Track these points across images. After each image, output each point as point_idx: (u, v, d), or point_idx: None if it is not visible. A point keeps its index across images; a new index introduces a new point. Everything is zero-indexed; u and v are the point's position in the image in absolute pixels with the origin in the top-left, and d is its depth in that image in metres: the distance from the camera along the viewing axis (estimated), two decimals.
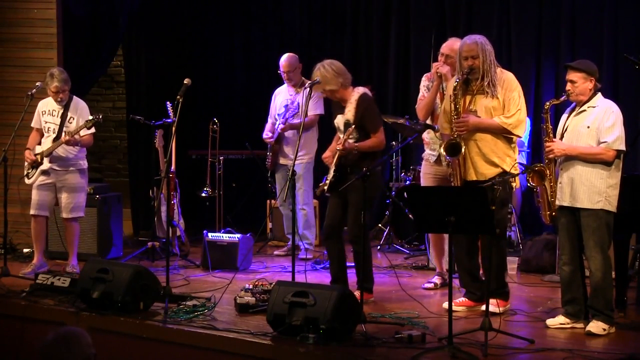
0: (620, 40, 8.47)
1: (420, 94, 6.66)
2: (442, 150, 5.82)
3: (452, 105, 5.79)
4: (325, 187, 6.19)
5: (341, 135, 6.21)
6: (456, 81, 5.80)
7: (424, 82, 6.67)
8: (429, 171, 6.64)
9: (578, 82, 5.42)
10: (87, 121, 6.99)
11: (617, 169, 5.39)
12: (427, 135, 6.67)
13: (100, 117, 7.06)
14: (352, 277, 6.34)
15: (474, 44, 5.76)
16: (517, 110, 5.75)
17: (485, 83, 5.75)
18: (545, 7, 8.91)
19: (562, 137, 5.50)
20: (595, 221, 5.34)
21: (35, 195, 7.23)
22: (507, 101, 5.76)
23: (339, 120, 6.26)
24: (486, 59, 5.73)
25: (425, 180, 6.66)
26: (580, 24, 8.72)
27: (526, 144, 8.47)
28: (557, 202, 5.50)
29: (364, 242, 5.86)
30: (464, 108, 5.81)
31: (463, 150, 5.70)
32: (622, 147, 5.35)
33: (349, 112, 6.18)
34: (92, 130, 7.13)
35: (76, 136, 7.01)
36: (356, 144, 6.09)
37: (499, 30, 9.02)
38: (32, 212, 7.24)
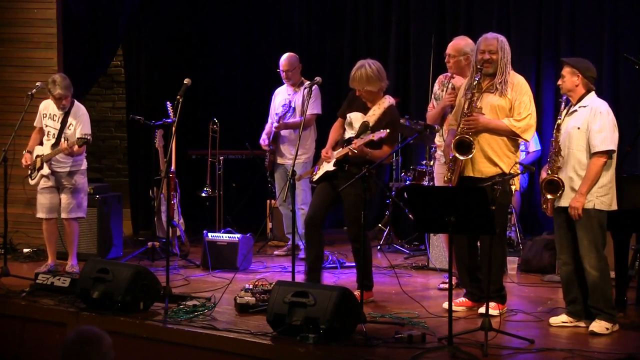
0: (620, 40, 8.45)
1: (430, 103, 6.62)
2: (452, 147, 5.72)
3: (467, 104, 5.76)
4: (315, 177, 6.18)
5: (348, 129, 6.21)
6: (476, 79, 5.75)
7: (436, 87, 6.62)
8: (441, 171, 6.60)
9: (566, 77, 5.44)
10: (78, 139, 6.96)
11: (609, 168, 5.36)
12: (439, 139, 6.62)
13: (89, 137, 7.02)
14: (352, 276, 6.35)
15: (495, 40, 5.77)
16: (527, 115, 5.73)
17: (498, 81, 5.73)
18: (545, 7, 8.90)
19: (558, 137, 5.49)
20: (587, 220, 5.32)
21: (41, 199, 7.24)
22: (516, 104, 5.73)
23: (356, 117, 6.20)
24: (503, 57, 5.73)
25: (438, 180, 6.64)
26: (580, 24, 8.71)
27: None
28: (555, 203, 5.48)
29: (364, 240, 5.86)
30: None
31: (474, 151, 5.64)
32: (611, 147, 5.32)
33: (373, 115, 6.13)
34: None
35: (74, 147, 6.99)
36: (370, 150, 6.05)
37: (499, 30, 8.92)
38: (41, 215, 7.25)
